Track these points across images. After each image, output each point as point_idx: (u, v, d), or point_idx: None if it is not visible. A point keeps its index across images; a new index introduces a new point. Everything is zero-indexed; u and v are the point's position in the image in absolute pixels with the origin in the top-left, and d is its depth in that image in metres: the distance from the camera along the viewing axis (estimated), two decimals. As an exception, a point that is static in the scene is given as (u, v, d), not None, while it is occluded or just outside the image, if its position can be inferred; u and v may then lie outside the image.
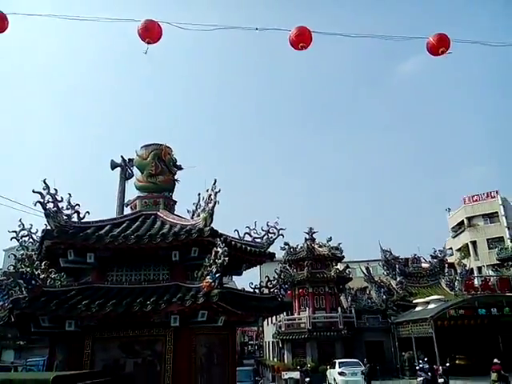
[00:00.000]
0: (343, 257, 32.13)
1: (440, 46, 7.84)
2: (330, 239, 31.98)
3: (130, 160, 14.47)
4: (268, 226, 12.17)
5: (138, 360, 7.31)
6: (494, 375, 20.58)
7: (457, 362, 27.42)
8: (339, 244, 31.86)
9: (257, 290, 11.15)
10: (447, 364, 23.81)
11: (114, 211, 14.08)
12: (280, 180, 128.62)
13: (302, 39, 8.11)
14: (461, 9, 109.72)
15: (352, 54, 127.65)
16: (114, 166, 15.13)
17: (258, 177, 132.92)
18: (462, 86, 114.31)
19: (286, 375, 27.35)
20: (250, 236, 11.60)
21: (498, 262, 36.95)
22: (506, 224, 46.99)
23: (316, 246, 32.04)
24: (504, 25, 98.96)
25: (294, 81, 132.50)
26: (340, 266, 32.55)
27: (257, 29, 8.17)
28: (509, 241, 43.22)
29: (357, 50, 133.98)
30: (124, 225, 8.45)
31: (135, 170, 10.99)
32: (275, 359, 34.02)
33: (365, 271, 33.88)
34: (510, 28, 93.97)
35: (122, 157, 15.35)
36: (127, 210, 10.63)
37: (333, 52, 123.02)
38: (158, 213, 9.20)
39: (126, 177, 15.01)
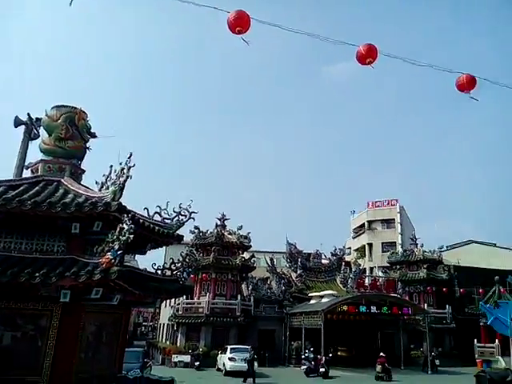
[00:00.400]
0: (250, 246, 32.79)
1: (368, 56, 8.06)
2: (241, 228, 32.42)
3: (38, 119, 13.23)
4: (180, 207, 11.97)
5: (18, 334, 6.82)
6: (378, 367, 23.01)
7: (339, 353, 29.73)
8: (248, 233, 32.43)
9: (159, 272, 10.96)
10: (330, 355, 25.67)
11: (12, 173, 12.83)
12: (200, 164, 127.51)
13: (240, 23, 8.00)
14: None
15: (286, 48, 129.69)
16: (18, 123, 13.68)
17: (177, 157, 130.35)
18: (385, 96, 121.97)
19: (176, 358, 27.46)
20: (160, 216, 11.34)
21: (387, 265, 40.21)
22: (400, 231, 51.48)
23: (226, 233, 32.29)
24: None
25: (224, 64, 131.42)
26: (246, 255, 33.21)
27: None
28: (400, 246, 47.32)
29: (291, 45, 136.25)
30: (21, 188, 7.78)
31: (42, 131, 10.13)
32: (168, 342, 33.87)
33: (269, 262, 34.99)
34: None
35: (28, 114, 13.97)
36: (27, 174, 9.77)
37: (267, 42, 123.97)
38: (63, 180, 8.59)
39: (30, 137, 13.70)
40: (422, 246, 37.93)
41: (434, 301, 35.70)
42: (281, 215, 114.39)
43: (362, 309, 27.47)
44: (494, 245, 48.41)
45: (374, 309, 27.71)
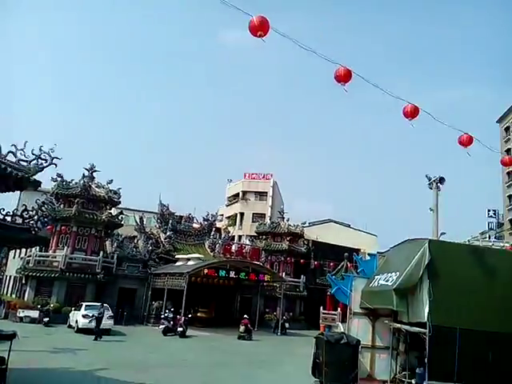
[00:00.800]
0: (120, 202, 31.15)
1: (260, 28, 7.71)
2: (111, 182, 30.38)
3: None
4: (41, 150, 10.72)
5: None
6: (242, 328, 25.02)
7: (199, 314, 30.51)
8: (119, 189, 30.63)
9: (8, 218, 9.83)
10: (189, 315, 26.33)
11: None
12: (77, 110, 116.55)
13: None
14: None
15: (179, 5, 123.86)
16: None
17: (51, 91, 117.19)
18: (277, 72, 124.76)
19: (22, 313, 25.40)
20: (15, 156, 10.09)
21: (255, 234, 42.19)
22: (270, 204, 54.18)
23: (93, 186, 30.12)
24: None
25: (107, 15, 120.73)
26: (114, 211, 31.63)
27: None
28: (269, 218, 49.87)
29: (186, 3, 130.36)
30: None
31: None
32: (14, 296, 30.97)
33: (138, 220, 33.93)
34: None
35: None
36: None
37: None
38: None
39: None
40: (287, 220, 40.48)
41: (292, 270, 38.67)
42: (158, 176, 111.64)
43: (222, 273, 28.59)
44: (349, 226, 54.18)
45: (232, 274, 29.04)
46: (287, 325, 31.22)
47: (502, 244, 45.57)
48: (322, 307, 31.22)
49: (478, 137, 10.99)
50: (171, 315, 25.17)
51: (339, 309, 29.13)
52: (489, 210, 62.36)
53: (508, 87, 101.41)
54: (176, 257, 32.42)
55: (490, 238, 55.97)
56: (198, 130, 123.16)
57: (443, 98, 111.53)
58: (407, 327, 8.71)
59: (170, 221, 35.80)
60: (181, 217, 37.76)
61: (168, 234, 34.89)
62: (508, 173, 59.48)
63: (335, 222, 52.55)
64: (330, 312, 30.75)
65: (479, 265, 8.41)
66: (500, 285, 8.41)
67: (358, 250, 40.73)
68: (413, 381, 8.73)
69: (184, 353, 19.06)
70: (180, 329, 23.83)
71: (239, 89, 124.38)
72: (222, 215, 56.07)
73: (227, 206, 58.56)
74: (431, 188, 18.78)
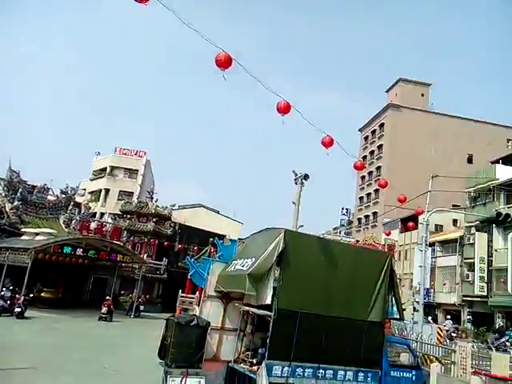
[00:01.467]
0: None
1: None
2: None
3: None
4: None
5: None
6: (104, 309, 24.97)
7: (43, 294, 27.78)
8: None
9: None
10: (30, 295, 23.85)
11: None
12: None
13: None
14: None
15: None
16: None
17: None
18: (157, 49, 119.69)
19: None
20: None
21: (119, 213, 40.06)
22: (140, 183, 51.98)
23: None
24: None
25: None
26: None
27: None
28: (137, 197, 47.76)
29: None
30: None
31: None
32: None
33: (-22, 187, 29.50)
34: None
35: None
36: None
37: None
38: None
39: None
40: (156, 201, 39.33)
41: (155, 252, 37.71)
42: (13, 139, 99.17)
43: (67, 249, 26.67)
44: (218, 212, 54.86)
45: (80, 251, 27.46)
46: (142, 307, 30.44)
47: (348, 239, 50.94)
48: (180, 290, 31.09)
49: (345, 142, 11.73)
50: (9, 294, 22.47)
51: (198, 292, 29.32)
52: (342, 209, 69.28)
53: (375, 98, 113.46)
54: (22, 230, 29.00)
55: (340, 233, 62.22)
56: (69, 95, 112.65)
57: (325, 102, 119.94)
58: (255, 310, 8.89)
59: (20, 190, 31.81)
60: (34, 186, 33.82)
61: (15, 204, 30.90)
62: (362, 177, 66.63)
63: (205, 208, 52.67)
64: (189, 295, 30.67)
65: (324, 255, 8.97)
66: (340, 275, 9.08)
67: (223, 236, 41.41)
68: (254, 360, 8.95)
69: (17, 335, 17.09)
70: (18, 309, 21.37)
71: (126, 61, 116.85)
72: (85, 189, 51.97)
73: (92, 180, 54.56)
74: (296, 183, 19.78)
